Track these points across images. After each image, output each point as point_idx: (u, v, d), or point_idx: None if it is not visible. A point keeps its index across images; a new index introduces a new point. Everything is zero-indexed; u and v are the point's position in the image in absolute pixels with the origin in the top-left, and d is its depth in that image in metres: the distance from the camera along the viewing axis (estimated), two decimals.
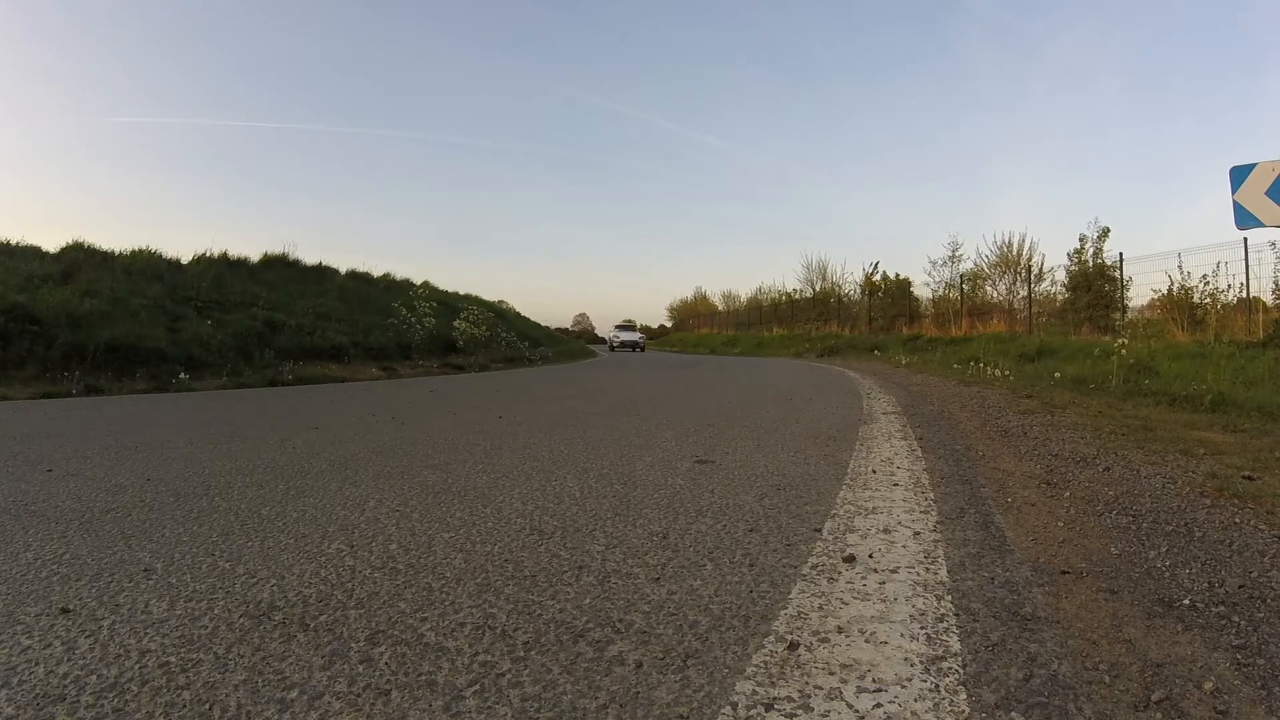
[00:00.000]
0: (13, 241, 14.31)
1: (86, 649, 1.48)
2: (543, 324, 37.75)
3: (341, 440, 4.65)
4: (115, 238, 19.95)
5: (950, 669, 1.35)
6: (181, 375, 10.04)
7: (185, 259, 16.24)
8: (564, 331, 55.12)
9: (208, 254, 16.88)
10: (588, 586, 1.78)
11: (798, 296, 35.72)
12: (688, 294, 62.38)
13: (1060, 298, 20.14)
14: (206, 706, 1.23)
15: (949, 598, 1.71)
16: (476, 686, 1.28)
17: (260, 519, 2.57)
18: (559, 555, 2.05)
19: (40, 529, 2.49)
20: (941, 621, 1.57)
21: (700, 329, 48.92)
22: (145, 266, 14.43)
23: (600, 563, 1.98)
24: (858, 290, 30.16)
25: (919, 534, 2.26)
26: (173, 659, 1.42)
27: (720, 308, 52.49)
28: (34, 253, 14.03)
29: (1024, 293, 21.32)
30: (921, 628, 1.53)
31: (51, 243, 16.03)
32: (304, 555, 2.10)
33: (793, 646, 1.44)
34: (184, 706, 1.24)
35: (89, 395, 8.74)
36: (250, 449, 4.30)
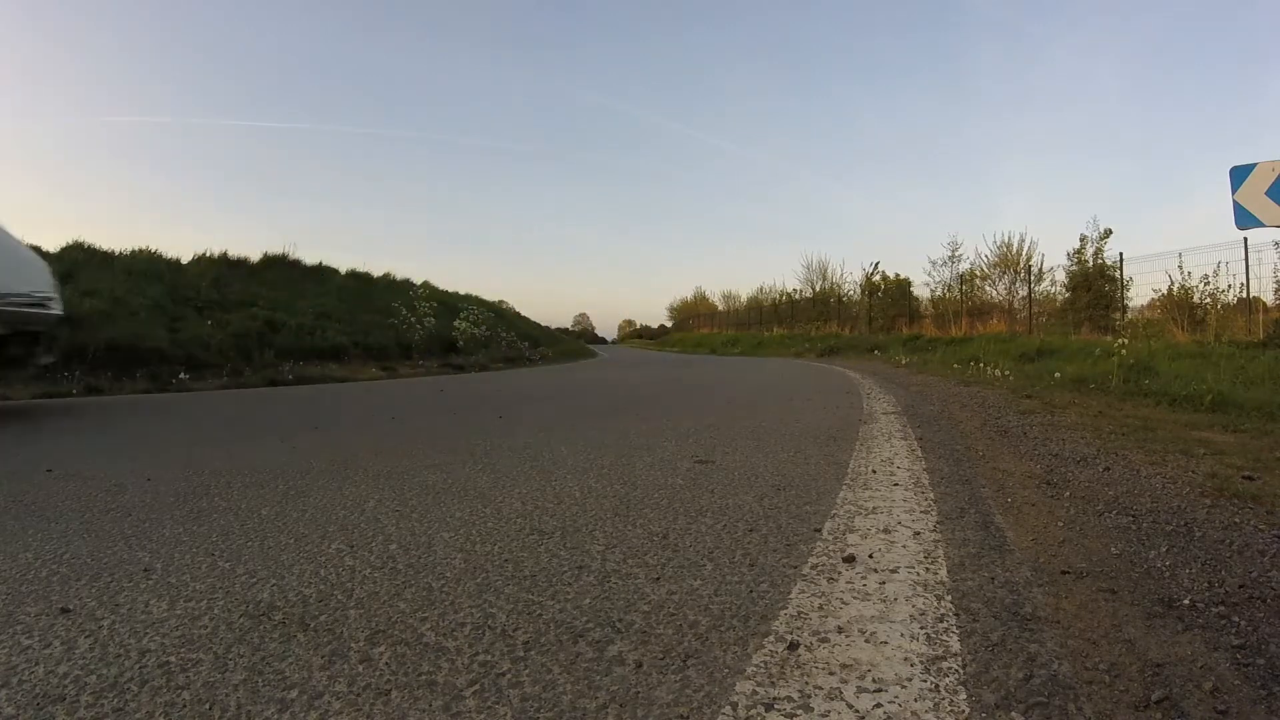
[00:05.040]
0: None
1: (86, 649, 1.48)
2: (543, 324, 37.60)
3: (341, 440, 4.65)
4: (115, 237, 19.97)
5: (950, 669, 1.35)
6: (182, 375, 10.05)
7: (185, 259, 16.27)
8: (564, 331, 55.01)
9: (208, 254, 16.92)
10: (587, 586, 1.78)
11: (798, 296, 35.74)
12: (688, 294, 62.39)
13: (1060, 298, 20.17)
14: (206, 706, 1.23)
15: (949, 598, 1.71)
16: (476, 686, 1.28)
17: (260, 519, 2.57)
18: (559, 555, 2.05)
19: (40, 528, 2.49)
20: (941, 621, 1.57)
21: (700, 329, 48.94)
22: (145, 266, 14.44)
23: (600, 563, 1.98)
24: (858, 290, 30.19)
25: (919, 534, 2.26)
26: (172, 659, 1.42)
27: (720, 308, 52.52)
28: (34, 253, 14.00)
29: (1024, 293, 21.34)
30: (921, 628, 1.53)
31: (52, 243, 15.99)
32: (303, 555, 2.10)
33: (793, 646, 1.44)
34: (184, 706, 1.24)
35: (89, 395, 8.75)
36: (250, 449, 4.30)
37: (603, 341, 72.26)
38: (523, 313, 34.64)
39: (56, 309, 6.74)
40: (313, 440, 4.62)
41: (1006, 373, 9.70)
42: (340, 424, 5.73)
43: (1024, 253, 22.32)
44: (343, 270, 20.55)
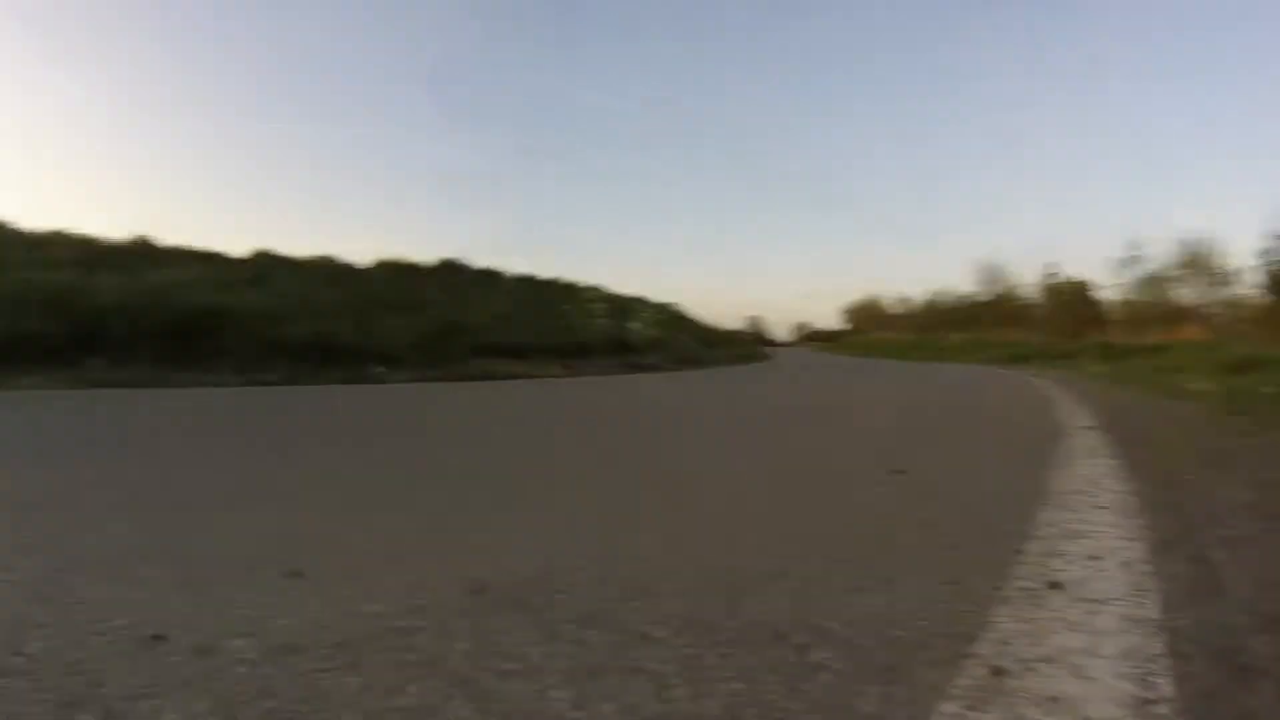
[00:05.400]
0: (207, 249, 16.07)
1: (319, 609, 1.68)
2: (714, 326, 36.75)
3: (553, 435, 4.90)
4: (297, 244, 21.68)
5: (1162, 715, 1.29)
6: (376, 369, 10.82)
7: (363, 263, 17.56)
8: (736, 334, 53.63)
9: (386, 259, 18.15)
10: (788, 590, 1.81)
11: (976, 300, 34.07)
12: (862, 297, 60.80)
13: (1262, 301, 18.21)
14: (434, 668, 1.37)
15: (1161, 636, 1.62)
16: (684, 677, 1.34)
17: (478, 503, 2.83)
18: (759, 558, 2.09)
19: (273, 503, 2.83)
20: (1152, 662, 1.49)
21: (876, 333, 47.55)
22: (327, 271, 15.84)
23: (800, 568, 2.00)
24: (1037, 293, 28.46)
25: (1128, 563, 2.14)
26: (400, 623, 1.59)
27: (895, 311, 50.85)
28: (226, 260, 15.65)
29: (1218, 296, 19.38)
30: (1132, 666, 1.47)
31: (240, 250, 17.63)
32: (518, 538, 2.28)
33: (997, 673, 1.42)
34: (413, 666, 1.39)
35: (289, 385, 9.61)
36: (464, 437, 4.64)
37: (775, 344, 71.25)
38: (694, 315, 34.11)
39: None
40: (518, 432, 4.89)
41: (1210, 386, 8.91)
42: (546, 421, 6.04)
43: (1216, 254, 20.28)
44: (512, 274, 21.32)
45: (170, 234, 23.43)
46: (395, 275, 17.23)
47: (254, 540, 2.31)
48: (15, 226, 15.35)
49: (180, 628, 1.56)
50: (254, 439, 5.16)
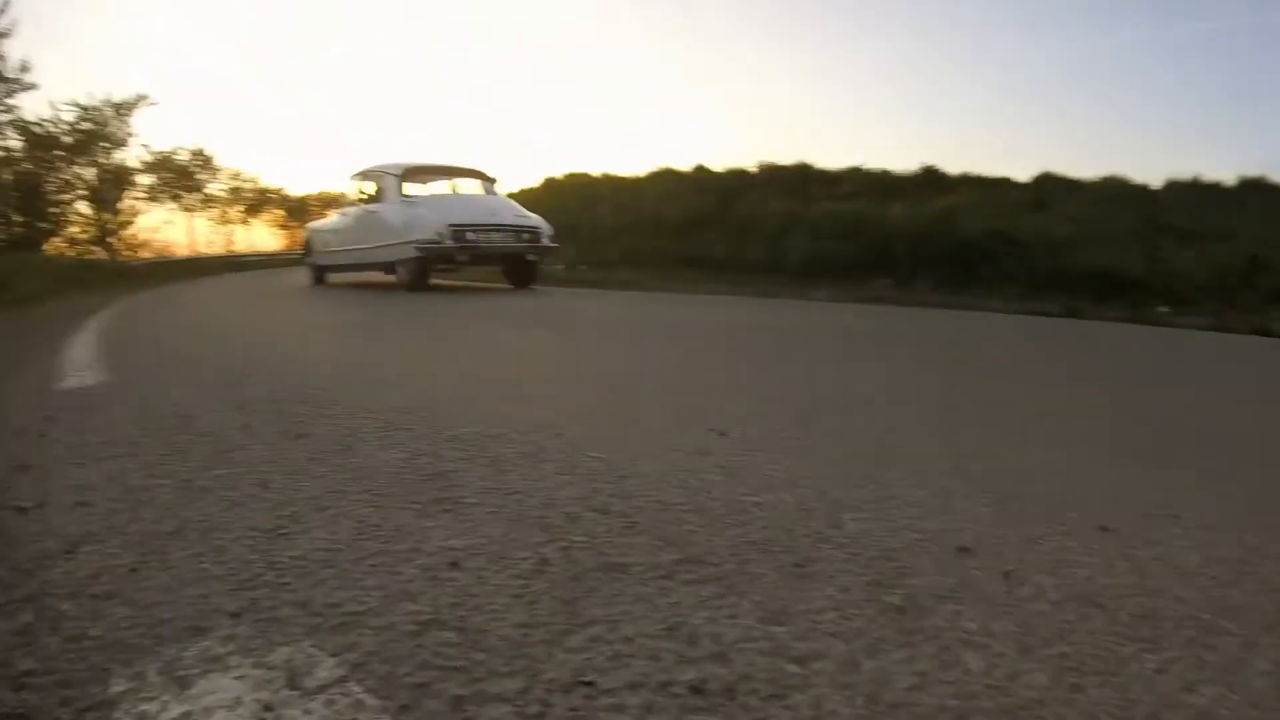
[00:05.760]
0: (986, 175, 16.42)
1: (1123, 570, 1.67)
2: None
3: None
4: (1082, 166, 20.27)
5: None
6: (1161, 308, 9.88)
7: (1154, 184, 15.72)
8: None
9: (1178, 179, 15.93)
10: None
11: None
12: None
13: None
14: (1230, 674, 1.28)
15: None
16: None
17: None
18: None
19: (1072, 447, 2.92)
20: None
21: None
22: (1114, 193, 14.68)
23: None
24: None
25: None
26: (1205, 617, 1.47)
27: None
28: (1006, 184, 15.68)
29: None
30: None
31: (1021, 173, 17.36)
32: None
33: None
34: (1210, 668, 1.29)
35: (1068, 317, 9.37)
36: None
37: None
38: None
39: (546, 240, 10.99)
40: None
41: None
42: None
43: None
44: None
45: (957, 163, 24.74)
46: (1190, 197, 15.12)
47: (1061, 479, 2.41)
48: (819, 166, 18.16)
49: (987, 549, 1.73)
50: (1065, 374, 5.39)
